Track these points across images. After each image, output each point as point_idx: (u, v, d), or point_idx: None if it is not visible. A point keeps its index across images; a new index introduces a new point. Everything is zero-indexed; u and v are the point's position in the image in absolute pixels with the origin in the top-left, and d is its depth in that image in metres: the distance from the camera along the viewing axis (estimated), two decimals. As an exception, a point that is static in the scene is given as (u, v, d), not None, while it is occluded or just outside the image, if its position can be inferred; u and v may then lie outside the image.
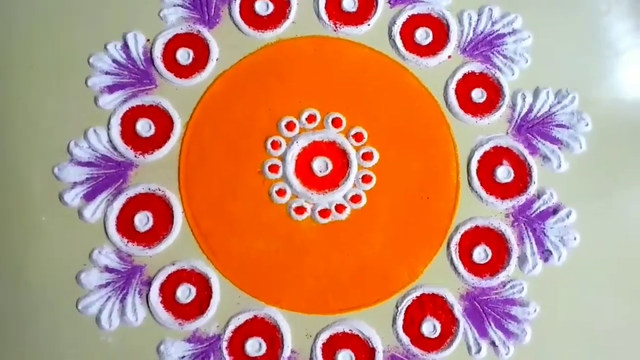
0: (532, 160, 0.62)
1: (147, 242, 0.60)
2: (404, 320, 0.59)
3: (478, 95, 0.64)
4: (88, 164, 0.61)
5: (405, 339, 0.59)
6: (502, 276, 0.60)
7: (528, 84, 0.64)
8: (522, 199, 0.62)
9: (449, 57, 0.65)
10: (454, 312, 0.59)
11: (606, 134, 0.63)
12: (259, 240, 0.61)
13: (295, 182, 0.61)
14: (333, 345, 0.59)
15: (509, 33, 0.65)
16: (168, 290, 0.59)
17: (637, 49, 0.66)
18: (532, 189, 0.62)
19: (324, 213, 0.61)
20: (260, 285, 0.60)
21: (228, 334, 0.58)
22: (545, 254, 0.61)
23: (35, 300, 0.59)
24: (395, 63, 0.65)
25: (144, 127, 0.62)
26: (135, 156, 0.62)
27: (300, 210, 0.61)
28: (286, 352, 0.58)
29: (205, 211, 0.61)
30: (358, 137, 0.63)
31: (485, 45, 0.65)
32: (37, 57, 0.63)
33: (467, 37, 0.65)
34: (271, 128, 0.63)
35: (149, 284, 0.59)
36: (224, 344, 0.58)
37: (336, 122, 0.63)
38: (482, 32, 0.65)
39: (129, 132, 0.62)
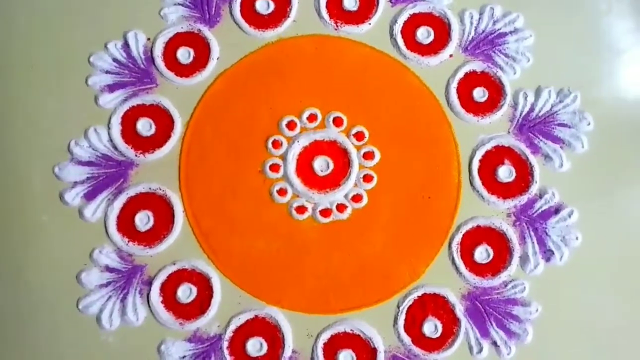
0: (533, 159, 0.62)
1: (147, 241, 0.60)
2: (406, 320, 0.59)
3: (480, 94, 0.64)
4: (88, 164, 0.61)
5: (407, 339, 0.59)
6: (503, 276, 0.60)
7: (530, 83, 0.64)
8: (523, 199, 0.62)
9: (451, 56, 0.65)
10: (455, 312, 0.59)
11: (608, 133, 0.63)
12: (259, 239, 0.61)
13: (296, 182, 0.61)
14: (334, 345, 0.58)
15: (511, 32, 0.65)
16: (169, 290, 0.59)
17: (638, 48, 0.66)
18: (534, 189, 0.62)
19: (325, 212, 0.61)
20: (261, 284, 0.60)
21: (229, 333, 0.58)
22: (547, 254, 0.60)
23: (36, 300, 0.59)
24: (397, 62, 0.64)
25: (145, 126, 0.62)
26: (136, 155, 0.62)
27: (301, 209, 0.61)
28: (287, 352, 0.58)
29: (206, 211, 0.61)
30: (359, 136, 0.62)
31: (486, 44, 0.65)
32: (38, 56, 0.63)
33: (468, 36, 0.65)
34: (272, 127, 0.63)
35: (149, 283, 0.59)
36: (225, 344, 0.58)
37: (337, 122, 0.63)
38: (483, 31, 0.65)
39: (129, 131, 0.62)
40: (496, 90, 0.64)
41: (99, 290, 0.59)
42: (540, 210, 0.61)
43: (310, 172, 0.62)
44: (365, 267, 0.60)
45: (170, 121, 0.62)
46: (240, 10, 0.65)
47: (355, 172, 0.62)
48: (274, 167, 0.62)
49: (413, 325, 0.59)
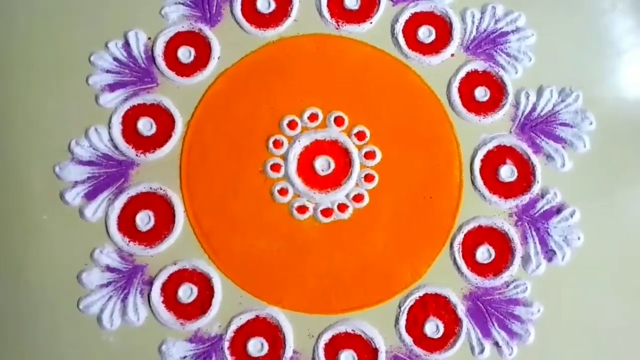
0: (535, 159, 0.62)
1: (148, 241, 0.60)
2: (407, 320, 0.59)
3: (481, 93, 0.63)
4: (89, 163, 0.61)
5: (408, 339, 0.59)
6: (505, 276, 0.60)
7: (532, 83, 0.64)
8: (525, 198, 0.61)
9: (452, 55, 0.64)
10: (457, 312, 0.59)
11: (610, 133, 0.63)
12: (261, 239, 0.60)
13: (297, 181, 0.61)
14: (335, 345, 0.58)
15: (513, 31, 0.65)
16: (169, 290, 0.59)
17: (641, 47, 0.66)
18: (536, 188, 0.62)
19: (326, 212, 0.61)
20: (262, 284, 0.60)
21: (230, 334, 0.58)
22: (549, 254, 0.60)
23: (36, 300, 0.59)
24: (398, 61, 0.64)
25: (145, 126, 0.62)
26: (137, 155, 0.61)
27: (302, 209, 0.61)
28: (288, 353, 0.58)
29: (207, 210, 0.61)
30: (360, 135, 0.62)
31: (488, 43, 0.65)
32: (38, 55, 0.63)
33: (470, 35, 0.65)
34: (273, 127, 0.62)
35: (150, 283, 0.59)
36: (226, 344, 0.58)
37: (338, 121, 0.62)
38: (485, 30, 0.65)
39: (130, 131, 0.62)
40: (498, 90, 0.64)
41: (100, 290, 0.59)
42: (542, 210, 0.61)
43: (311, 172, 0.62)
44: (366, 267, 0.60)
45: (171, 121, 0.62)
46: (241, 10, 0.65)
47: (356, 171, 0.62)
48: (275, 167, 0.61)
49: (414, 326, 0.59)
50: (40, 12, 0.64)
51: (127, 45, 0.64)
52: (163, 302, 0.59)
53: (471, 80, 0.64)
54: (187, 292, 0.59)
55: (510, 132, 0.63)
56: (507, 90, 0.63)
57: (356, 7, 0.65)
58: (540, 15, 0.66)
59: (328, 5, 0.65)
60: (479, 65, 0.64)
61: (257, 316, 0.59)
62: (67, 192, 0.60)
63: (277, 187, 0.61)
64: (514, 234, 0.61)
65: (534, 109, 0.63)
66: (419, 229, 0.61)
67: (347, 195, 0.61)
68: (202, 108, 0.63)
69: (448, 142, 0.63)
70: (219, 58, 0.64)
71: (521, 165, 0.62)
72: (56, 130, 0.62)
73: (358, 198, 0.61)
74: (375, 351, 0.58)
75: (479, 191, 0.61)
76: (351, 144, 0.62)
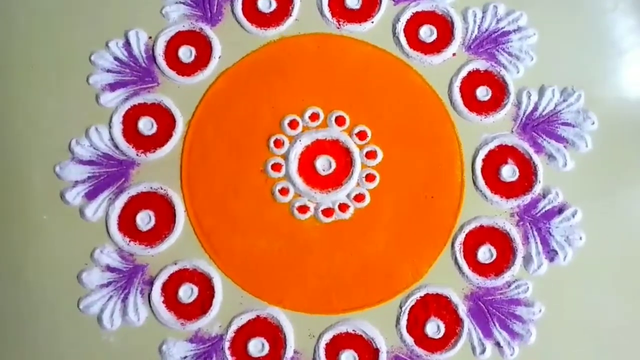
0: (537, 159, 0.62)
1: (149, 241, 0.60)
2: (408, 320, 0.59)
3: (483, 93, 0.63)
4: (89, 163, 0.61)
5: (409, 340, 0.58)
6: (507, 276, 0.60)
7: (533, 82, 0.64)
8: (527, 198, 0.61)
9: (454, 54, 0.64)
10: (458, 313, 0.59)
11: (612, 133, 0.63)
12: (261, 239, 0.60)
13: (298, 181, 0.61)
14: (336, 345, 0.58)
15: (514, 30, 0.65)
16: (170, 290, 0.59)
17: (643, 47, 0.66)
18: (538, 188, 0.61)
19: (327, 212, 0.61)
20: (263, 284, 0.59)
21: (230, 334, 0.58)
22: (551, 254, 0.60)
23: (36, 300, 0.59)
24: (399, 61, 0.64)
25: (146, 126, 0.62)
26: (137, 155, 0.61)
27: (303, 209, 0.61)
28: (289, 353, 0.58)
29: (208, 210, 0.61)
30: (362, 135, 0.62)
31: (490, 42, 0.65)
32: (38, 55, 0.63)
33: (471, 34, 0.65)
34: (274, 126, 0.62)
35: (150, 283, 0.59)
36: (227, 344, 0.58)
37: (339, 121, 0.62)
38: (487, 30, 0.65)
39: (130, 131, 0.62)
40: (499, 89, 0.63)
41: (100, 290, 0.59)
42: (543, 210, 0.61)
43: (312, 172, 0.61)
44: (367, 267, 0.60)
45: (172, 120, 0.62)
46: (242, 9, 0.65)
47: (357, 171, 0.61)
48: (276, 167, 0.61)
49: (415, 326, 0.59)
50: (40, 12, 0.64)
51: (127, 44, 0.64)
52: (163, 302, 0.59)
53: (473, 80, 0.64)
54: (187, 292, 0.59)
55: (512, 131, 0.63)
56: (509, 90, 0.63)
57: (357, 7, 0.65)
58: (542, 15, 0.65)
59: (329, 5, 0.65)
60: (480, 64, 0.64)
61: (257, 316, 0.59)
62: (68, 191, 0.60)
63: (278, 187, 0.61)
64: (516, 234, 0.60)
65: (535, 108, 0.63)
66: (420, 229, 0.61)
67: (348, 195, 0.61)
68: (203, 107, 0.63)
69: (449, 141, 0.62)
70: (219, 57, 0.64)
71: (523, 165, 0.62)
72: (56, 129, 0.61)
73: (359, 198, 0.61)
74: (376, 351, 0.58)
75: (481, 191, 0.61)
76: (352, 144, 0.62)
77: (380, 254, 0.60)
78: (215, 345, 0.58)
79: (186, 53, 0.64)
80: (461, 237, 0.60)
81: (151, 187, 0.61)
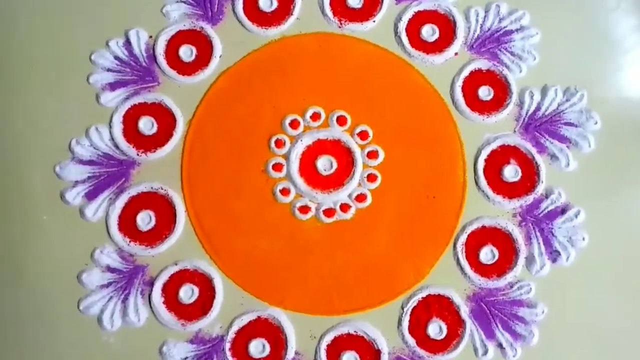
0: (540, 159, 0.62)
1: (149, 241, 0.60)
2: (410, 321, 0.59)
3: (485, 92, 0.63)
4: (90, 163, 0.61)
5: (411, 341, 0.58)
6: (509, 277, 0.59)
7: (536, 82, 0.63)
8: (529, 199, 0.61)
9: (456, 54, 0.64)
10: (460, 314, 0.59)
11: (615, 133, 0.63)
12: (262, 239, 0.60)
13: (300, 181, 0.61)
14: (338, 346, 0.58)
15: (517, 30, 0.65)
16: (170, 291, 0.59)
17: (647, 46, 0.66)
18: (540, 188, 0.61)
19: (329, 212, 0.60)
20: (264, 285, 0.59)
21: (231, 335, 0.58)
22: (553, 255, 0.60)
23: (36, 300, 0.59)
24: (401, 60, 0.64)
25: (147, 125, 0.62)
26: (138, 154, 0.61)
27: (304, 209, 0.60)
28: (290, 354, 0.58)
29: (208, 210, 0.60)
30: (363, 135, 0.62)
31: (492, 42, 0.64)
32: (38, 54, 0.63)
33: (474, 33, 0.64)
34: (275, 126, 0.62)
35: (151, 284, 0.59)
36: (227, 345, 0.58)
37: (341, 120, 0.62)
38: (489, 29, 0.65)
39: (131, 130, 0.62)
40: (502, 89, 0.63)
41: (100, 291, 0.59)
42: (546, 211, 0.61)
43: (313, 172, 0.61)
44: (369, 268, 0.60)
45: (173, 120, 0.62)
46: (243, 8, 0.64)
47: (359, 171, 0.61)
48: (277, 167, 0.61)
49: (417, 327, 0.59)
50: (40, 11, 0.64)
51: (128, 43, 0.63)
52: (164, 302, 0.59)
53: (475, 79, 0.63)
54: (188, 293, 0.59)
55: (514, 131, 0.62)
56: (511, 90, 0.63)
57: (359, 6, 0.65)
58: (545, 14, 0.65)
59: (331, 4, 0.65)
60: (482, 64, 0.64)
61: (258, 317, 0.58)
62: (68, 191, 0.60)
63: (279, 187, 0.61)
64: (518, 234, 0.60)
65: (538, 108, 0.63)
66: (422, 229, 0.61)
67: (349, 195, 0.61)
68: (204, 107, 0.62)
69: (451, 141, 0.62)
70: (220, 57, 0.64)
71: (525, 165, 0.62)
72: (57, 129, 0.61)
73: (361, 198, 0.61)
74: (377, 352, 0.58)
75: (483, 191, 0.61)
76: (354, 144, 0.62)
77: (381, 255, 0.60)
78: (216, 346, 0.58)
79: (187, 52, 0.63)
80: (463, 238, 0.60)
81: (152, 187, 0.61)
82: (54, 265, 0.59)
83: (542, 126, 0.62)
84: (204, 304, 0.58)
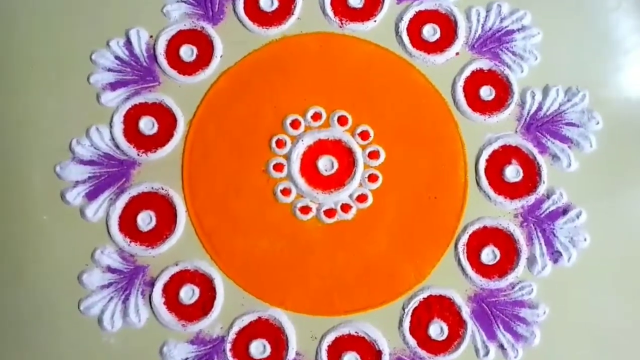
0: (541, 159, 0.61)
1: (150, 241, 0.60)
2: (411, 322, 0.58)
3: (486, 92, 0.63)
4: (90, 163, 0.61)
5: (412, 342, 0.58)
6: (510, 277, 0.59)
7: (537, 82, 0.63)
8: (531, 199, 0.61)
9: (457, 54, 0.64)
10: (461, 314, 0.58)
11: (617, 133, 0.62)
12: (263, 240, 0.60)
13: (301, 181, 0.61)
14: (338, 347, 0.58)
15: (518, 30, 0.64)
16: (171, 291, 0.59)
17: (648, 46, 0.65)
18: (542, 189, 0.61)
19: (330, 213, 0.60)
20: (265, 286, 0.59)
21: (232, 335, 0.58)
22: (555, 255, 0.60)
23: (37, 301, 0.59)
24: (402, 60, 0.64)
25: (147, 125, 0.62)
26: (138, 154, 0.61)
27: (305, 209, 0.60)
28: (291, 355, 0.58)
29: (209, 210, 0.60)
30: (364, 135, 0.62)
31: (493, 42, 0.64)
32: (39, 54, 0.63)
33: (475, 33, 0.64)
34: (276, 126, 0.62)
35: (151, 284, 0.59)
36: (228, 346, 0.58)
37: (342, 120, 0.62)
38: (490, 29, 0.64)
39: (131, 130, 0.62)
40: (503, 89, 0.63)
41: (101, 291, 0.58)
42: (548, 211, 0.61)
43: (314, 172, 0.61)
44: (370, 268, 0.59)
45: (173, 120, 0.62)
46: (244, 8, 0.64)
47: (360, 171, 0.61)
48: (278, 167, 0.61)
49: (418, 328, 0.58)
50: (40, 11, 0.64)
51: (128, 43, 0.63)
52: (164, 303, 0.58)
53: (476, 79, 0.63)
54: (188, 293, 0.58)
55: (516, 131, 0.62)
56: (513, 90, 0.63)
57: (360, 5, 0.65)
58: (546, 14, 0.65)
59: (332, 4, 0.64)
60: (484, 64, 0.63)
61: (259, 318, 0.58)
62: (68, 191, 0.60)
63: (280, 187, 0.61)
64: (520, 235, 0.60)
65: (539, 108, 0.63)
66: (423, 230, 0.60)
67: (350, 196, 0.61)
68: (204, 107, 0.62)
69: (453, 141, 0.62)
70: (221, 56, 0.63)
71: (527, 165, 0.61)
72: (57, 129, 0.61)
73: (362, 198, 0.61)
74: (378, 353, 0.58)
75: (484, 191, 0.61)
76: (355, 144, 0.61)
77: (382, 255, 0.60)
78: (217, 347, 0.58)
79: (187, 52, 0.63)
80: (464, 238, 0.60)
81: (152, 187, 0.60)
82: (55, 266, 0.59)
83: (544, 126, 0.62)
84: (204, 305, 0.58)
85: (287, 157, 0.61)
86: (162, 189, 0.60)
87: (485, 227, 0.60)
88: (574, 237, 0.60)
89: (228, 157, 0.61)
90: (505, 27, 0.64)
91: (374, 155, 0.61)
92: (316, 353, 0.58)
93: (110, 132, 0.61)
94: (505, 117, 0.63)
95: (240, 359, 0.57)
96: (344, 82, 0.63)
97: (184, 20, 0.64)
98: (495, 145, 0.62)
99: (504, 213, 0.61)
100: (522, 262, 0.59)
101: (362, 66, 0.64)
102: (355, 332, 0.58)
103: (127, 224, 0.60)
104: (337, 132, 0.62)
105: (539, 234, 0.60)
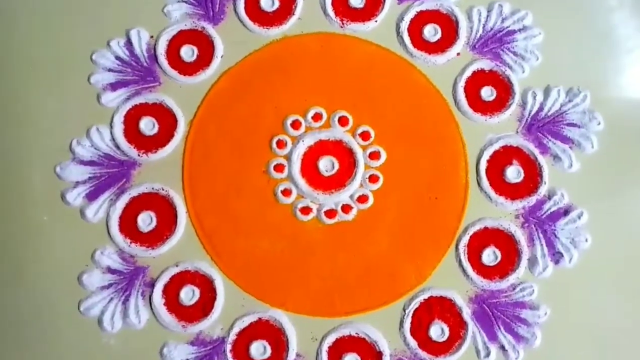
0: (542, 159, 0.61)
1: (150, 242, 0.59)
2: (412, 323, 0.58)
3: (487, 93, 0.63)
4: (90, 163, 0.61)
5: (413, 343, 0.58)
6: (511, 278, 0.59)
7: (539, 82, 0.63)
8: (532, 200, 0.61)
9: (458, 54, 0.64)
10: (462, 315, 0.58)
11: (618, 133, 0.62)
12: (264, 240, 0.60)
13: (301, 182, 0.61)
14: (339, 348, 0.58)
15: (520, 30, 0.64)
16: (171, 292, 0.58)
17: (650, 46, 0.65)
18: (543, 190, 0.61)
19: (330, 213, 0.60)
20: (265, 286, 0.59)
21: (232, 336, 0.58)
22: (556, 256, 0.60)
23: (37, 302, 0.58)
24: (403, 60, 0.64)
25: (148, 126, 0.61)
26: (139, 155, 0.61)
27: (306, 210, 0.60)
28: (291, 356, 0.58)
29: (209, 211, 0.60)
30: (365, 136, 0.62)
31: (495, 42, 0.64)
32: (39, 54, 0.63)
33: (476, 33, 0.64)
34: (276, 126, 0.62)
35: (152, 285, 0.59)
36: (228, 347, 0.58)
37: (343, 121, 0.62)
38: (491, 29, 0.64)
39: (132, 131, 0.61)
40: (504, 89, 0.63)
41: (101, 292, 0.58)
42: (549, 212, 0.60)
43: (315, 173, 0.61)
44: (370, 269, 0.59)
45: (174, 120, 0.62)
46: (245, 8, 0.64)
47: (360, 172, 0.61)
48: (279, 167, 0.61)
49: (419, 329, 0.58)
50: (40, 11, 0.64)
51: (129, 43, 0.63)
52: (165, 304, 0.58)
53: (477, 80, 0.63)
54: (189, 294, 0.58)
55: (517, 132, 0.62)
56: (514, 90, 0.63)
57: (361, 6, 0.64)
58: (548, 14, 0.65)
59: (333, 4, 0.64)
60: (485, 64, 0.63)
61: (259, 319, 0.58)
62: (68, 192, 0.60)
63: (281, 188, 0.60)
64: (521, 235, 0.60)
65: (541, 108, 0.63)
66: (424, 231, 0.60)
67: (351, 196, 0.61)
68: (205, 107, 0.62)
69: (454, 142, 0.62)
70: (222, 57, 0.63)
71: (528, 166, 0.61)
72: (57, 129, 0.61)
73: (362, 199, 0.60)
74: (379, 354, 0.58)
75: (485, 192, 0.61)
76: (355, 144, 0.61)
77: (383, 256, 0.60)
78: (217, 348, 0.58)
79: (188, 52, 0.63)
80: (465, 239, 0.60)
81: (152, 188, 0.60)
82: (54, 266, 0.59)
83: (545, 127, 0.62)
84: (204, 306, 0.58)
85: (288, 157, 0.61)
86: (163, 189, 0.60)
87: (486, 228, 0.60)
88: (575, 238, 0.60)
89: (229, 157, 0.61)
90: (507, 27, 0.64)
91: (374, 155, 0.61)
92: (317, 354, 0.58)
93: (111, 133, 0.61)
94: (507, 117, 0.62)
95: (241, 360, 0.58)
96: (344, 83, 0.63)
97: (185, 21, 0.64)
98: (496, 146, 0.62)
99: (505, 214, 0.61)
100: (523, 263, 0.59)
101: (363, 66, 0.63)
102: (356, 333, 0.58)
103: (128, 224, 0.60)
104: (338, 132, 0.62)
105: (540, 235, 0.60)
